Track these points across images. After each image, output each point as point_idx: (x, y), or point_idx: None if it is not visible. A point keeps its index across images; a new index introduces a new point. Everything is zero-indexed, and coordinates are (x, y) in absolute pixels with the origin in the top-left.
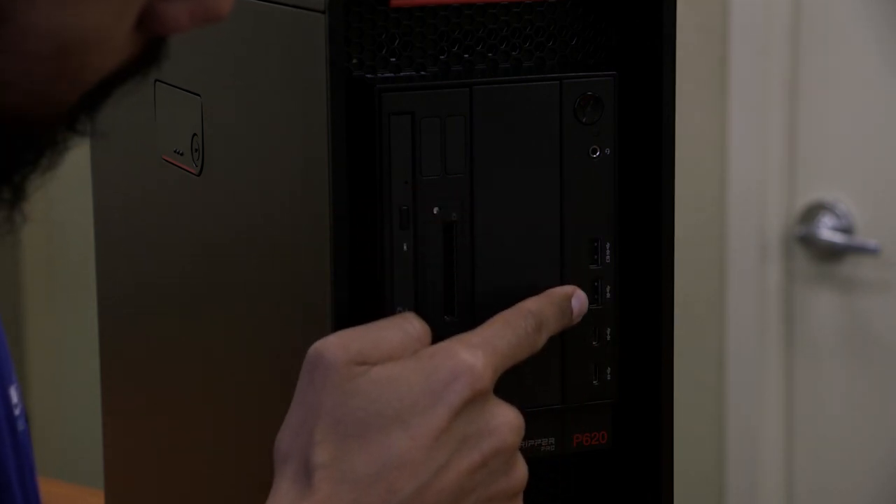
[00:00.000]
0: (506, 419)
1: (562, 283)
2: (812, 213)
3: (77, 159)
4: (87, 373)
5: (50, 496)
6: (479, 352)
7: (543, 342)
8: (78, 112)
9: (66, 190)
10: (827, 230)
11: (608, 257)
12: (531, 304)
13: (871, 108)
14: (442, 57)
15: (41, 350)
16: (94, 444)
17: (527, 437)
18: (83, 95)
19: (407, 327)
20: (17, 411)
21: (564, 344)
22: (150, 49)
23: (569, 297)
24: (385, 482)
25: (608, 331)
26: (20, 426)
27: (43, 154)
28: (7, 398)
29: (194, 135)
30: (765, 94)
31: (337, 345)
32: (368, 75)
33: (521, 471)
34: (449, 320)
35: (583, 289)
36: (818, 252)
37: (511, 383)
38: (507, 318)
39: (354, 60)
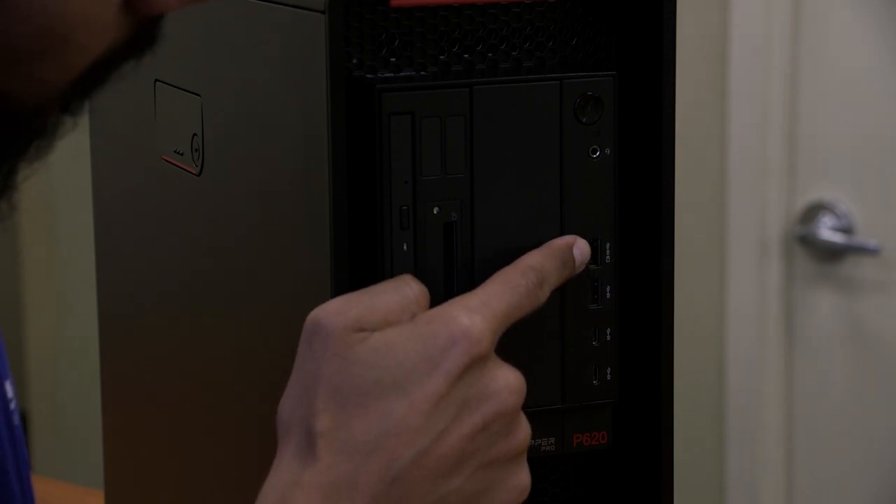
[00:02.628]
0: (506, 381)
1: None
2: (812, 213)
3: (77, 159)
4: (87, 373)
5: (50, 496)
6: (478, 316)
7: (546, 297)
8: (71, 98)
9: (67, 189)
10: (827, 230)
11: (608, 257)
12: (532, 258)
13: (871, 107)
14: (442, 57)
15: (41, 350)
16: (94, 444)
17: None
18: (75, 80)
19: (405, 290)
20: (12, 405)
21: (564, 344)
22: (141, 31)
23: (570, 247)
24: (385, 449)
25: (608, 331)
26: (15, 420)
27: (32, 142)
28: (3, 392)
29: (194, 135)
30: (765, 95)
31: (335, 311)
32: (368, 75)
33: (523, 432)
34: None
35: (583, 289)
36: (818, 252)
37: None
38: (507, 276)
39: (354, 60)
